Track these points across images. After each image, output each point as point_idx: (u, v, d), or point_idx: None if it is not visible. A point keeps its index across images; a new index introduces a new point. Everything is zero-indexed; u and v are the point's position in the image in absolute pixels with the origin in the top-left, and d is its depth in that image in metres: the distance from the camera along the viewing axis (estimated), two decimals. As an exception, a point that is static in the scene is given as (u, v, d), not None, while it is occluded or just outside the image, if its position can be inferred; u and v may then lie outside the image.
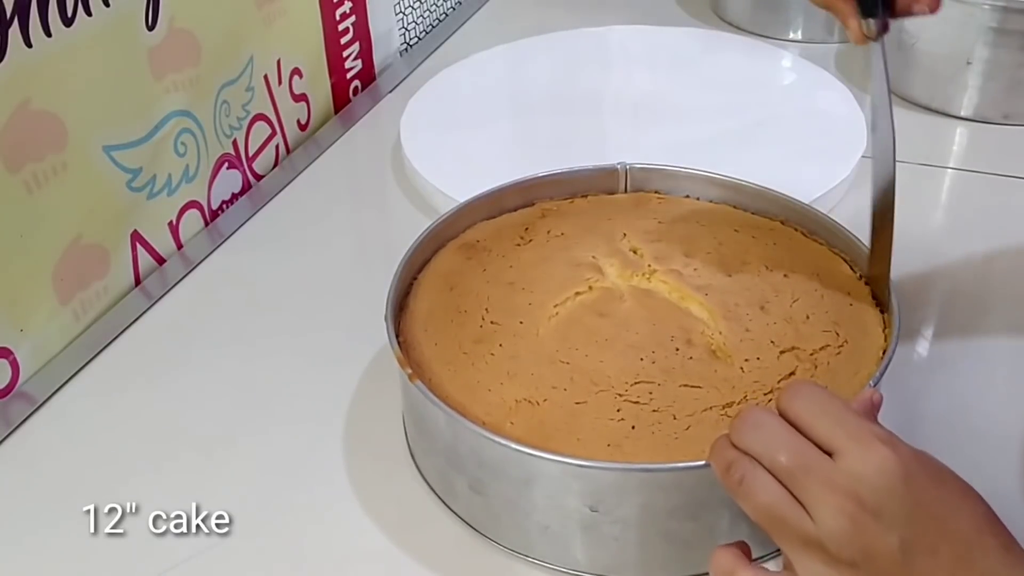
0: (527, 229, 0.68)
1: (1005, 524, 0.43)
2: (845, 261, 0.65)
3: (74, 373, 0.70)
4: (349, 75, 1.04)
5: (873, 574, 0.42)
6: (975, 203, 0.86)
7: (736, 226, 0.68)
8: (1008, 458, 0.60)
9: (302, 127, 0.98)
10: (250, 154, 0.90)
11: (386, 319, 0.59)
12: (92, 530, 0.59)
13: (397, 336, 0.60)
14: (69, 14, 0.67)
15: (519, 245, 0.67)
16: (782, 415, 0.45)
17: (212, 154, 0.85)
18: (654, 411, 0.54)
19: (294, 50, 0.94)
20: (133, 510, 0.60)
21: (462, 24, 1.18)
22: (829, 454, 0.43)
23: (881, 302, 0.62)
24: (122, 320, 0.74)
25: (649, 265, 0.64)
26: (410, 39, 1.14)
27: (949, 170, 0.89)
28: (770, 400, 0.55)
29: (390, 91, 1.04)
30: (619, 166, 0.72)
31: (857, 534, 0.42)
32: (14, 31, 0.63)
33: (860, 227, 0.65)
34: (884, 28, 0.59)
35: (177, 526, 0.59)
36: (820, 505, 0.42)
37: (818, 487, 0.42)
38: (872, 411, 0.48)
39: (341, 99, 1.03)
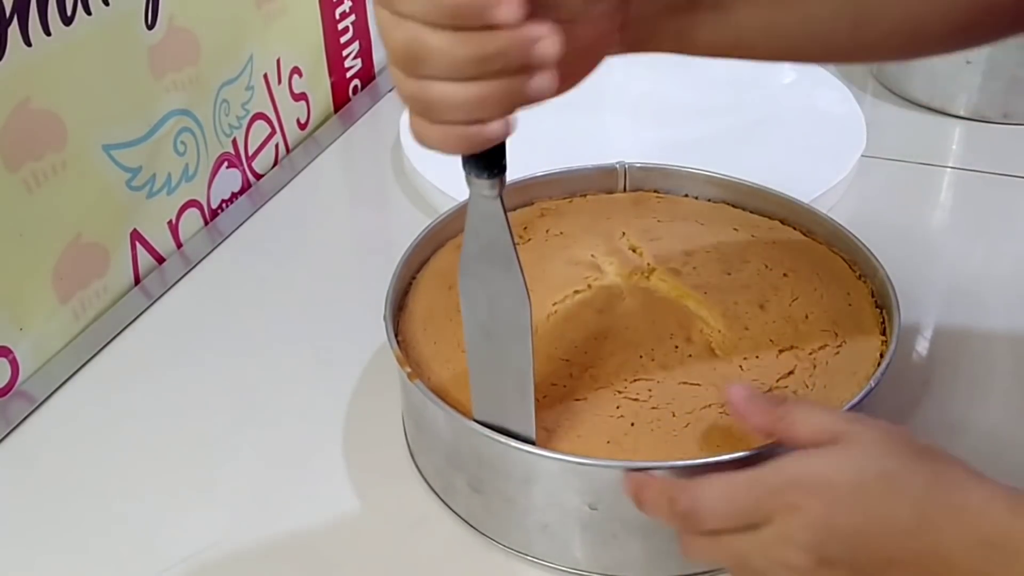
0: (526, 228, 0.68)
1: (952, 469, 0.44)
2: (844, 260, 0.65)
3: (74, 372, 0.70)
4: (349, 74, 1.04)
5: None
6: (975, 202, 0.86)
7: (735, 225, 0.68)
8: (1008, 458, 0.60)
9: (302, 126, 0.98)
10: (250, 153, 0.90)
11: (385, 318, 0.59)
12: (92, 529, 0.59)
13: (396, 335, 0.60)
14: (69, 13, 0.67)
15: (518, 244, 0.67)
16: (700, 530, 0.47)
17: (212, 153, 0.85)
18: (653, 408, 0.54)
19: (294, 49, 0.94)
20: (132, 509, 0.60)
21: (462, 23, 1.18)
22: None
23: (881, 302, 0.62)
24: (122, 319, 0.74)
25: (648, 264, 0.64)
26: (410, 38, 1.14)
27: (948, 169, 0.89)
28: (769, 399, 0.55)
29: (390, 90, 1.04)
30: (618, 165, 0.72)
31: None
32: (13, 30, 0.63)
33: (859, 226, 0.65)
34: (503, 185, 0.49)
35: (176, 525, 0.59)
36: (770, 574, 0.44)
37: (761, 562, 0.45)
38: (759, 406, 0.48)
39: (341, 98, 1.03)
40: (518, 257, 0.48)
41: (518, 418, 0.51)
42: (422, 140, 0.43)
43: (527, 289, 0.48)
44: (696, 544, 0.47)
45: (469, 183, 0.46)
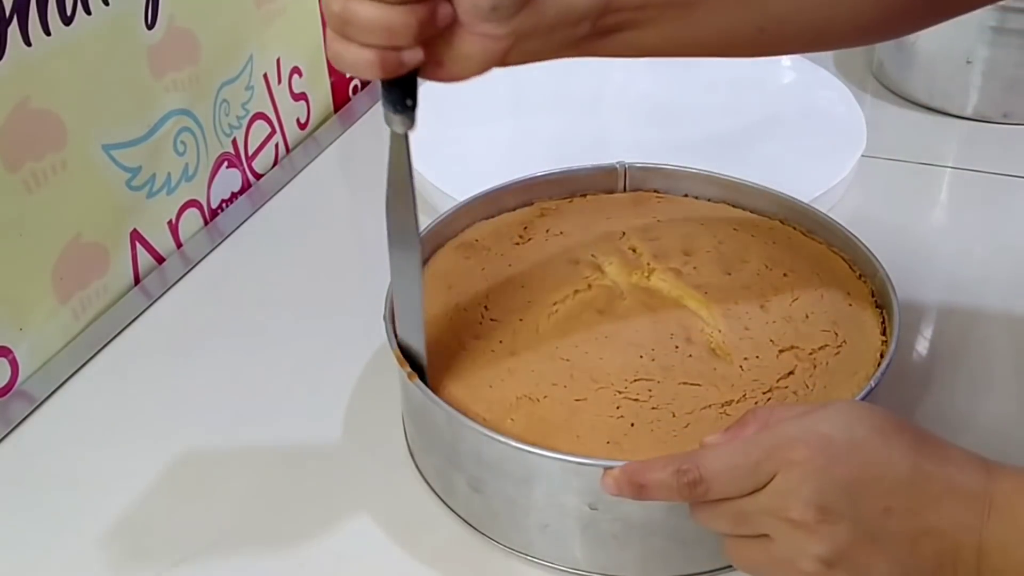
0: (526, 228, 0.68)
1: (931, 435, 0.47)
2: (844, 260, 0.65)
3: (73, 372, 0.70)
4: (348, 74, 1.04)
5: (850, 563, 0.45)
6: (975, 202, 0.86)
7: (735, 225, 0.68)
8: (1009, 457, 0.60)
9: (301, 126, 0.98)
10: (249, 153, 0.90)
11: (385, 318, 0.59)
12: (91, 528, 0.59)
13: (396, 335, 0.60)
14: (68, 13, 0.67)
15: (518, 244, 0.67)
16: (707, 499, 0.47)
17: (212, 153, 0.85)
18: (653, 408, 0.54)
19: (294, 49, 0.94)
20: (132, 509, 0.60)
21: (462, 23, 1.18)
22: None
23: (881, 302, 0.62)
24: (121, 319, 0.74)
25: (648, 263, 0.64)
26: (410, 38, 1.14)
27: (948, 169, 0.89)
28: (769, 399, 0.55)
29: (389, 90, 1.04)
30: (618, 165, 0.72)
31: (816, 540, 0.45)
32: (13, 30, 0.63)
33: (859, 226, 0.65)
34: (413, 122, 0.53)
35: (176, 525, 0.59)
36: (775, 532, 0.46)
37: (766, 519, 0.46)
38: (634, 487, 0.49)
39: (340, 98, 1.03)
40: (413, 192, 0.56)
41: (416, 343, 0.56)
42: (339, 61, 0.47)
43: (417, 223, 0.56)
44: (702, 513, 0.48)
45: (386, 120, 0.51)
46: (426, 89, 0.96)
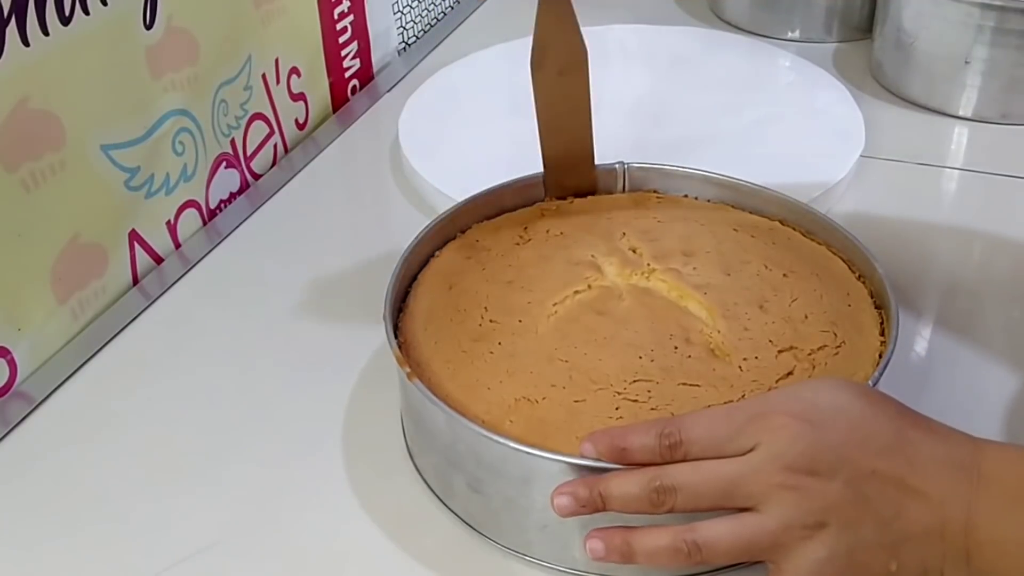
0: (526, 228, 0.68)
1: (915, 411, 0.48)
2: (843, 261, 0.65)
3: (72, 372, 0.70)
4: (347, 74, 1.04)
5: (842, 521, 0.45)
6: (973, 203, 0.86)
7: (735, 225, 0.68)
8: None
9: (300, 126, 0.98)
10: (248, 153, 0.90)
11: (384, 318, 0.59)
12: (90, 529, 0.59)
13: (396, 335, 0.60)
14: (67, 13, 0.67)
15: (518, 244, 0.67)
16: (687, 459, 0.47)
17: (210, 153, 0.85)
18: (652, 409, 0.54)
19: (292, 49, 0.94)
20: (131, 510, 0.60)
21: (461, 23, 1.18)
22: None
23: (880, 302, 0.62)
24: (120, 319, 0.74)
25: (648, 264, 0.64)
26: (408, 38, 1.14)
27: (947, 169, 0.89)
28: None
29: (388, 90, 1.04)
30: (617, 165, 0.72)
31: (807, 499, 0.45)
32: (11, 30, 0.63)
33: (858, 226, 0.65)
34: None
35: (175, 525, 0.59)
36: (764, 497, 0.45)
37: (753, 485, 0.45)
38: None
39: (339, 98, 1.03)
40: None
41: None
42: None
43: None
44: (684, 476, 0.47)
45: None
46: (425, 89, 0.96)
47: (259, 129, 0.91)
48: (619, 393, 0.55)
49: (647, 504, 0.47)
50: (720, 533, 0.46)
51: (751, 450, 0.46)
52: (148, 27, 0.75)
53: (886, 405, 0.48)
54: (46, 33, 0.66)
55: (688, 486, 0.47)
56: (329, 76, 1.01)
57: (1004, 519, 0.45)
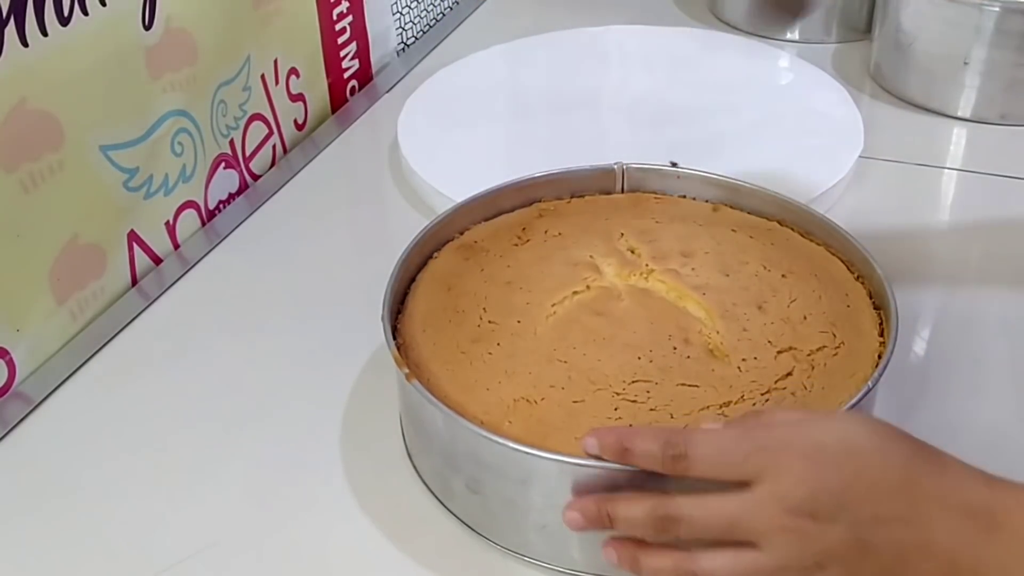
0: (524, 229, 0.68)
1: (931, 448, 0.46)
2: (842, 261, 0.65)
3: (71, 373, 0.69)
4: (346, 75, 1.04)
5: (840, 566, 0.44)
6: (972, 203, 0.86)
7: (733, 226, 0.68)
8: (1006, 459, 0.60)
9: (299, 127, 0.98)
10: (247, 154, 0.90)
11: (383, 319, 0.59)
12: (88, 530, 0.59)
13: (394, 336, 0.60)
14: (66, 13, 0.67)
15: (517, 245, 0.67)
16: (688, 478, 0.47)
17: (209, 154, 0.85)
18: (651, 410, 0.54)
19: (291, 50, 0.94)
20: (129, 510, 0.60)
21: (459, 24, 1.18)
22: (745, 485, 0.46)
23: (878, 303, 0.62)
24: (119, 320, 0.74)
25: (647, 264, 0.64)
26: (407, 39, 1.14)
27: (946, 170, 0.89)
28: (767, 400, 0.55)
29: (387, 91, 1.04)
30: (616, 166, 0.72)
31: (806, 543, 0.44)
32: (10, 30, 0.63)
33: (857, 227, 0.65)
34: None
35: (174, 526, 0.59)
36: (765, 536, 0.45)
37: (755, 522, 0.45)
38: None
39: (338, 99, 1.03)
40: None
41: None
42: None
43: None
44: (688, 509, 0.47)
45: None
46: (424, 90, 0.96)
47: (258, 130, 0.91)
48: (618, 393, 0.55)
49: (651, 530, 0.48)
50: (719, 565, 0.46)
51: (753, 482, 0.45)
52: (147, 28, 0.75)
53: (900, 445, 0.46)
54: (45, 34, 0.66)
55: (692, 519, 0.47)
56: (328, 77, 1.01)
57: (1016, 570, 0.43)
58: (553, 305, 0.61)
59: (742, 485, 0.46)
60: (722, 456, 0.47)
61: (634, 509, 0.48)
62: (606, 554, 0.50)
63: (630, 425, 0.54)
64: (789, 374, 0.57)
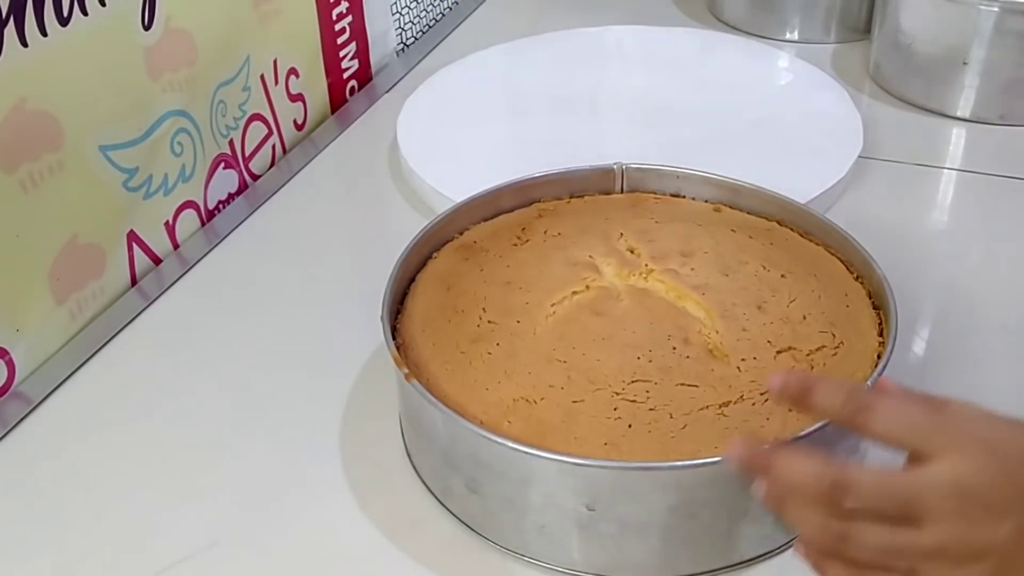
0: (524, 229, 0.68)
1: None
2: (841, 261, 0.65)
3: (70, 373, 0.69)
4: (346, 75, 1.04)
5: (999, 563, 0.43)
6: (972, 204, 0.86)
7: (733, 226, 0.68)
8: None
9: (298, 127, 0.98)
10: (246, 154, 0.90)
11: (382, 319, 0.59)
12: (88, 530, 0.59)
13: (394, 336, 0.60)
14: (65, 14, 0.67)
15: (516, 245, 0.67)
16: (863, 435, 0.46)
17: (208, 154, 0.85)
18: (651, 410, 0.54)
19: (290, 50, 0.94)
20: (129, 511, 0.60)
21: (459, 24, 1.18)
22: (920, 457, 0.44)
23: (878, 303, 0.62)
24: (118, 320, 0.74)
25: (646, 264, 0.64)
26: (407, 39, 1.14)
27: (945, 170, 0.89)
28: (766, 400, 0.55)
29: (387, 91, 1.04)
30: (615, 166, 0.72)
31: (974, 532, 0.43)
32: (10, 31, 0.63)
33: (856, 227, 0.65)
34: None
35: (173, 526, 0.59)
36: (933, 516, 0.43)
37: (928, 500, 0.43)
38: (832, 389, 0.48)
39: (338, 99, 1.03)
40: None
41: None
42: None
43: None
44: (863, 476, 0.45)
45: None
46: (424, 90, 0.96)
47: (257, 130, 0.91)
48: (617, 393, 0.55)
49: (811, 492, 0.45)
50: (874, 531, 0.45)
51: (930, 459, 0.44)
52: (146, 28, 0.75)
53: None
54: (44, 34, 0.66)
55: (863, 488, 0.45)
56: (327, 77, 1.01)
57: None
58: (552, 305, 0.61)
59: (916, 459, 0.44)
60: (908, 420, 0.45)
61: (799, 465, 0.45)
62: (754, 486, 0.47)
63: (629, 426, 0.54)
64: (788, 374, 0.57)
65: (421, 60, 1.09)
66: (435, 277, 0.65)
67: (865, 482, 0.45)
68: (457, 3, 1.23)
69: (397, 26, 1.12)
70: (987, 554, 0.43)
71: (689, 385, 0.56)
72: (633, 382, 0.56)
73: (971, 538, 0.43)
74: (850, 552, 0.45)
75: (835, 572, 0.47)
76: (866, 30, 1.06)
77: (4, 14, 0.63)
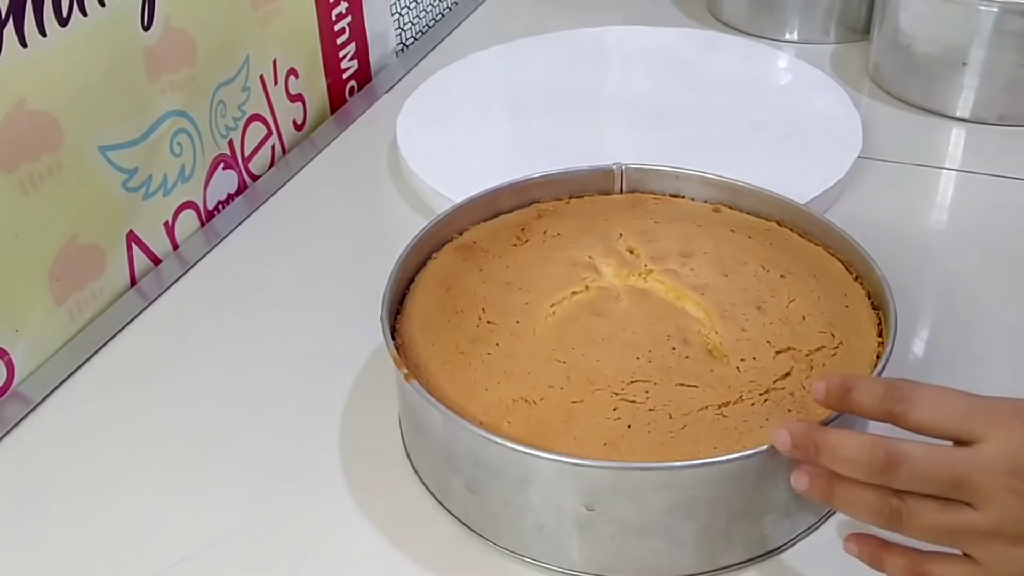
0: (523, 229, 0.68)
1: None
2: (841, 262, 0.65)
3: (70, 374, 0.69)
4: (345, 75, 1.04)
5: None
6: (971, 204, 0.86)
7: (732, 227, 0.68)
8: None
9: (298, 127, 0.98)
10: (246, 154, 0.90)
11: (382, 319, 0.59)
12: (87, 531, 0.59)
13: (393, 336, 0.60)
14: (64, 14, 0.67)
15: (515, 245, 0.67)
16: (904, 426, 0.46)
17: (208, 154, 0.85)
18: (650, 410, 0.54)
19: (290, 50, 0.94)
20: (128, 511, 0.60)
21: (458, 24, 1.18)
22: (965, 443, 0.44)
23: (877, 303, 0.62)
24: (118, 321, 0.74)
25: (646, 265, 0.64)
26: (406, 39, 1.14)
27: (944, 171, 0.89)
28: (765, 401, 0.55)
29: (386, 91, 1.04)
30: (615, 167, 0.72)
31: None
32: (9, 31, 0.63)
33: (856, 228, 0.65)
34: None
35: (173, 527, 0.59)
36: (986, 496, 0.43)
37: (979, 480, 0.43)
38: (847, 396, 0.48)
39: (337, 99, 1.03)
40: None
41: None
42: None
43: None
44: (915, 450, 0.44)
45: None
46: (424, 90, 0.96)
47: (257, 130, 0.91)
48: (617, 394, 0.55)
49: (863, 468, 0.45)
50: (928, 509, 0.44)
51: (976, 442, 0.44)
52: (146, 28, 0.75)
53: None
54: (44, 34, 0.66)
55: (916, 464, 0.44)
56: (327, 77, 1.01)
57: None
58: (552, 305, 0.61)
59: (961, 444, 0.44)
60: (947, 407, 0.45)
61: (849, 441, 0.45)
62: (795, 480, 0.47)
63: (628, 426, 0.54)
64: (788, 374, 0.57)
65: (421, 60, 1.09)
66: (435, 277, 0.65)
67: (919, 455, 0.44)
68: (457, 3, 1.23)
69: (397, 26, 1.12)
70: None
71: (688, 385, 0.56)
72: (632, 382, 0.56)
73: None
74: (906, 531, 0.45)
75: (894, 563, 0.47)
76: (865, 30, 1.06)
77: (3, 14, 0.63)
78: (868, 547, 0.48)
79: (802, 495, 0.48)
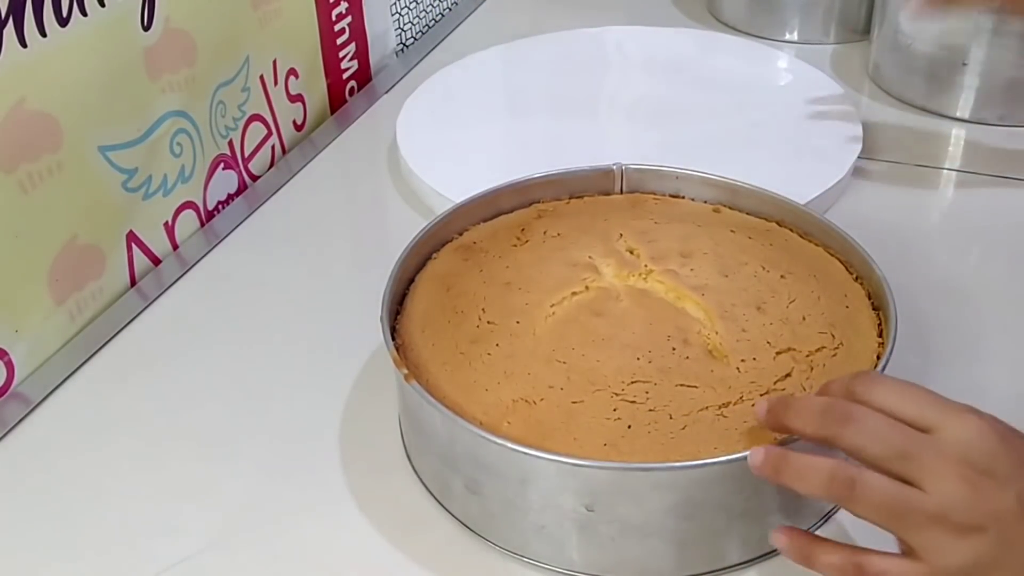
0: (523, 230, 0.68)
1: None
2: (841, 262, 0.65)
3: (69, 374, 0.69)
4: (345, 75, 1.04)
5: (1000, 532, 0.43)
6: (971, 204, 0.86)
7: (732, 227, 0.68)
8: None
9: (298, 128, 0.98)
10: (246, 155, 0.90)
11: (381, 319, 0.59)
12: (87, 531, 0.59)
13: (393, 337, 0.60)
14: (64, 14, 0.67)
15: (515, 246, 0.67)
16: (863, 405, 0.47)
17: (208, 155, 0.85)
18: (650, 411, 0.54)
19: (290, 51, 0.94)
20: (128, 511, 0.60)
21: (458, 24, 1.18)
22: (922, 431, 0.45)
23: (877, 304, 0.62)
24: (118, 321, 0.74)
25: (646, 265, 0.64)
26: (406, 39, 1.14)
27: (944, 171, 0.89)
28: (766, 400, 0.55)
29: (386, 91, 1.04)
30: (615, 167, 0.72)
31: (978, 497, 0.43)
32: (9, 31, 0.63)
33: (856, 228, 0.65)
34: None
35: (172, 527, 0.59)
36: (936, 477, 0.44)
37: (930, 461, 0.44)
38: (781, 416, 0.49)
39: (337, 99, 1.03)
40: None
41: None
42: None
43: None
44: (868, 414, 0.46)
45: None
46: (423, 90, 0.96)
47: (257, 130, 0.91)
48: (617, 394, 0.55)
49: (816, 424, 0.46)
50: (880, 485, 0.44)
51: (932, 430, 0.45)
52: (146, 28, 0.75)
53: None
54: (43, 34, 0.66)
55: (869, 423, 0.45)
56: (327, 77, 1.01)
57: None
58: (552, 306, 0.61)
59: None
60: (904, 394, 0.46)
61: (808, 399, 0.48)
62: (751, 455, 0.48)
63: (628, 427, 0.54)
64: (788, 375, 0.57)
65: (421, 60, 1.09)
66: (434, 278, 0.65)
67: (875, 417, 0.45)
68: (457, 3, 1.23)
69: (396, 26, 1.12)
70: (988, 525, 0.43)
71: (688, 386, 0.56)
72: (633, 383, 0.56)
73: (976, 506, 0.43)
74: (856, 505, 0.45)
75: (827, 560, 0.46)
76: (865, 31, 1.06)
77: (3, 14, 0.63)
78: (798, 541, 0.48)
79: (755, 472, 0.48)
